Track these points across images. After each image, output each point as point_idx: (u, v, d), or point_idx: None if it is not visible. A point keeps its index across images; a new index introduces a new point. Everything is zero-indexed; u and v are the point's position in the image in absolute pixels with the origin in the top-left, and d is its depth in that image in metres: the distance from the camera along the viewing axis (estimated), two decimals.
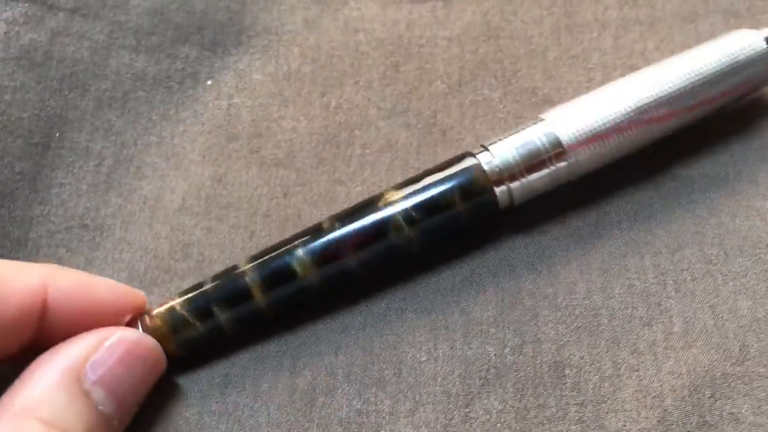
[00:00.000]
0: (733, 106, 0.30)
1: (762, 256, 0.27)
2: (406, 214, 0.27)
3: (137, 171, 0.32)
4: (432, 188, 0.27)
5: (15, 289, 0.24)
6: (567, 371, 0.26)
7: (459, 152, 0.29)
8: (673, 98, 0.28)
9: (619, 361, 0.26)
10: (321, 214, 0.30)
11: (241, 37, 0.34)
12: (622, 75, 0.30)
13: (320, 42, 0.34)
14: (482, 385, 0.26)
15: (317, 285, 0.27)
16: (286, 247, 0.27)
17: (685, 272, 0.27)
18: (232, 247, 0.29)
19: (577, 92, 0.31)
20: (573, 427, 0.25)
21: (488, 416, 0.25)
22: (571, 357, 0.26)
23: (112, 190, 0.31)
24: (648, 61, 0.32)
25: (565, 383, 0.26)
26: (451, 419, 0.25)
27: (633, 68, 0.31)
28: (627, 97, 0.28)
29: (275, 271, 0.27)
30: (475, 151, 0.28)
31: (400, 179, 0.29)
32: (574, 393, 0.26)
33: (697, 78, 0.28)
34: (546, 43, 0.33)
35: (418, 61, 0.33)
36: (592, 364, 0.26)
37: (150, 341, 0.26)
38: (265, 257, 0.27)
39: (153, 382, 0.26)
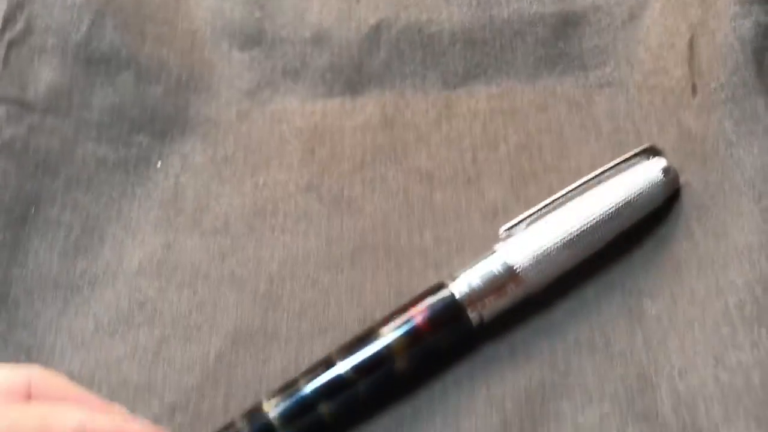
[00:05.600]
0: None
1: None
2: (399, 343, 0.32)
3: (100, 240, 0.39)
4: (414, 319, 0.32)
5: None
6: None
7: (360, 222, 0.38)
8: (596, 227, 0.34)
9: None
10: (251, 273, 0.37)
11: (185, 127, 0.42)
12: (488, 154, 0.39)
13: (251, 131, 0.42)
14: None
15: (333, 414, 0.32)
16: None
17: None
18: (179, 303, 0.37)
19: (453, 169, 0.40)
20: None
21: None
22: None
23: (79, 255, 0.38)
24: (508, 144, 0.40)
25: None
26: None
27: (496, 150, 0.40)
28: (561, 228, 0.34)
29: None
30: (446, 282, 0.33)
31: (314, 244, 0.37)
32: None
33: (610, 212, 0.34)
34: (430, 130, 0.41)
35: (330, 146, 0.42)
36: None
37: None
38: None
39: None
